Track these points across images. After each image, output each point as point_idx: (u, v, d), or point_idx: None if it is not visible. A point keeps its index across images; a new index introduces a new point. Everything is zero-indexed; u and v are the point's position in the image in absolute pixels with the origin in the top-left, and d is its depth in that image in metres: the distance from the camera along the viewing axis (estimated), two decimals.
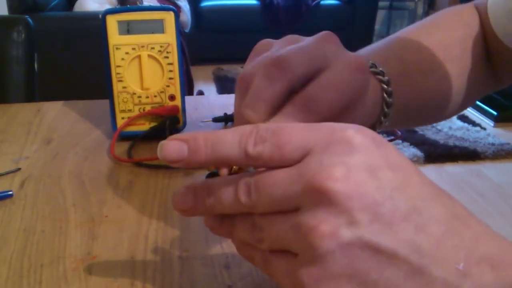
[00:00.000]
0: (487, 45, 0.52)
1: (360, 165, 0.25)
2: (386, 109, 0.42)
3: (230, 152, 0.27)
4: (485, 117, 2.75)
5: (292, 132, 0.26)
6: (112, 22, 0.58)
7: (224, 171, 0.29)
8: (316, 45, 0.35)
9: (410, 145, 2.45)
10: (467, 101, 0.53)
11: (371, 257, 0.24)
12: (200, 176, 0.52)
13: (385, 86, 0.42)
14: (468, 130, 2.63)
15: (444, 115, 0.54)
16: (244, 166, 0.31)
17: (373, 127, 0.44)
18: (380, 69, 0.42)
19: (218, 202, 0.28)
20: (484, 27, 0.52)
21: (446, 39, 0.51)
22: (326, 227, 0.24)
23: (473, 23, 0.52)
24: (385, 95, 0.42)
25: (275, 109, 0.33)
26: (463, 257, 0.24)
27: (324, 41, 0.35)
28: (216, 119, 0.65)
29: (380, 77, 0.42)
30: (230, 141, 0.27)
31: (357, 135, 0.26)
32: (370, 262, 0.24)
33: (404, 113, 0.46)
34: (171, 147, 0.28)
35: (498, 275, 0.24)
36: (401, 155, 0.27)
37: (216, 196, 0.28)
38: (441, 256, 0.24)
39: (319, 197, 0.24)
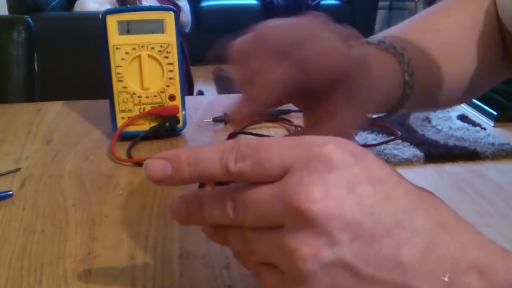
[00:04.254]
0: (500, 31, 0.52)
1: (340, 182, 0.25)
2: (407, 91, 0.42)
3: (212, 169, 0.27)
4: (485, 117, 2.75)
5: (272, 148, 0.26)
6: (112, 22, 0.58)
7: (209, 188, 0.29)
8: (301, 20, 0.35)
9: (410, 145, 2.45)
10: (485, 85, 0.53)
11: (353, 276, 0.24)
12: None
13: (405, 68, 0.42)
14: (468, 130, 2.63)
15: (462, 98, 0.53)
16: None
17: (395, 108, 0.44)
18: (400, 50, 0.42)
19: (209, 215, 0.28)
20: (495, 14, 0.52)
21: (464, 21, 0.50)
22: (308, 249, 0.24)
23: (487, 6, 0.52)
24: (405, 76, 0.42)
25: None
26: (449, 268, 0.24)
27: (310, 18, 0.36)
28: (216, 119, 0.65)
29: (400, 58, 0.42)
30: (212, 159, 0.27)
31: (336, 150, 0.25)
32: (352, 281, 0.24)
33: (423, 95, 0.46)
34: (155, 167, 0.28)
35: (486, 283, 0.24)
36: (383, 166, 0.26)
37: (206, 209, 0.28)
38: (426, 270, 0.24)
39: (299, 219, 0.24)
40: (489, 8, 0.51)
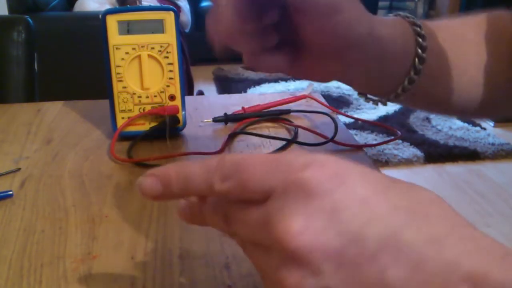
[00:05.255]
0: None
1: (320, 211, 0.24)
2: (417, 64, 0.42)
3: (200, 187, 0.28)
4: None
5: (255, 169, 0.26)
6: (112, 22, 0.58)
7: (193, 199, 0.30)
8: None
9: (410, 145, 2.45)
10: (503, 105, 0.51)
11: None
12: None
13: (419, 39, 0.42)
14: (468, 130, 2.63)
15: (481, 108, 0.51)
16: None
17: (402, 86, 0.43)
18: (419, 22, 0.42)
19: (209, 222, 0.29)
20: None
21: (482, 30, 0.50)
22: (292, 281, 0.24)
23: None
24: (418, 50, 0.42)
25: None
26: (440, 284, 0.23)
27: None
28: (216, 119, 0.65)
29: (417, 28, 0.42)
30: (198, 177, 0.28)
31: (316, 176, 0.25)
32: None
33: (435, 83, 0.46)
34: (147, 185, 0.29)
35: None
36: (368, 182, 0.25)
37: (207, 216, 0.29)
38: None
39: (282, 250, 0.24)
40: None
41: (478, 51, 0.48)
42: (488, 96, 0.49)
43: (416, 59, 0.42)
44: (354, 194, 0.25)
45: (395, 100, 0.45)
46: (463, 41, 0.48)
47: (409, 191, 0.26)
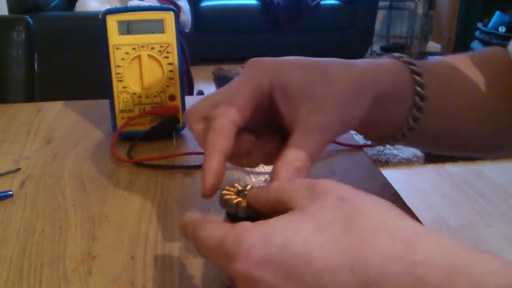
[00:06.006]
0: None
1: None
2: (418, 101, 0.42)
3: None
4: None
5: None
6: (112, 22, 0.58)
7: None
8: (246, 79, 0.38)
9: None
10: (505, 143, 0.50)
11: None
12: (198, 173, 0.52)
13: (417, 78, 0.42)
14: None
15: (493, 146, 0.51)
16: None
17: (408, 126, 0.43)
18: (419, 70, 0.42)
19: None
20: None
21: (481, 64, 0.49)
22: None
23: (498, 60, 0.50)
24: (417, 88, 0.42)
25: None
26: None
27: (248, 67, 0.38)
28: None
29: (412, 67, 0.42)
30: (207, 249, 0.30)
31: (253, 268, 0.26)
32: None
33: (440, 124, 0.45)
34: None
35: None
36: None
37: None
38: None
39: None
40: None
41: (477, 87, 0.47)
42: (495, 131, 0.49)
43: (417, 97, 0.42)
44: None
45: (403, 140, 0.44)
46: (460, 77, 0.48)
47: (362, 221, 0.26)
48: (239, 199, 0.33)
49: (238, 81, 0.38)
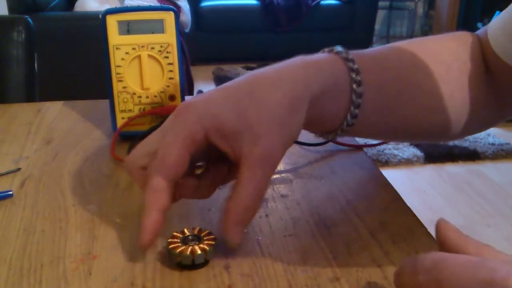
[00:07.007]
0: (489, 70, 0.50)
1: None
2: (355, 99, 0.42)
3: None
4: None
5: (453, 269, 0.28)
6: (112, 22, 0.58)
7: None
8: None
9: (410, 145, 2.45)
10: (469, 125, 0.50)
11: None
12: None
13: (353, 75, 0.42)
14: None
15: (440, 134, 0.51)
16: None
17: (346, 122, 0.43)
18: (356, 66, 0.42)
19: None
20: (486, 53, 0.50)
21: (437, 48, 0.50)
22: None
23: (467, 40, 0.51)
24: (354, 85, 0.42)
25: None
26: None
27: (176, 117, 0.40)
28: None
29: (350, 64, 0.42)
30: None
31: None
32: None
33: (385, 117, 0.46)
34: None
35: None
36: None
37: None
38: None
39: None
40: (473, 51, 0.50)
41: (426, 77, 0.47)
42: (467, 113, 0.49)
43: (353, 95, 0.42)
44: None
45: (345, 134, 0.45)
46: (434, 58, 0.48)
47: None
48: (189, 247, 0.37)
49: (170, 131, 0.39)
